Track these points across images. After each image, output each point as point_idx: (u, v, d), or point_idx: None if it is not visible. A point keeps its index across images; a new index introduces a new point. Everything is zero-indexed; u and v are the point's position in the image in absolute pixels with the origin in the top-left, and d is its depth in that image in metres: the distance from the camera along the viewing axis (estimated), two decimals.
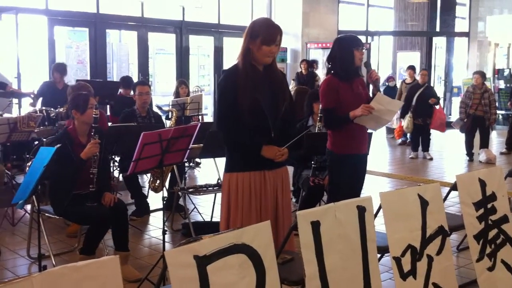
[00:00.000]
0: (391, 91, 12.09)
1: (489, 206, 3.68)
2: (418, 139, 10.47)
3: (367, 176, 4.55)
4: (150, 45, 13.07)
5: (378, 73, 4.53)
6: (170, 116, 7.49)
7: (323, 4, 14.81)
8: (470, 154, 10.18)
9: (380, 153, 10.91)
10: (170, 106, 8.10)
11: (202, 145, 5.32)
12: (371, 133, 5.01)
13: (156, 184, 5.99)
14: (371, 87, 4.36)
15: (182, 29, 13.28)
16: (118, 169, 6.75)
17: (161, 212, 4.55)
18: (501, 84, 15.68)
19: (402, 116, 10.57)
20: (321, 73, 13.26)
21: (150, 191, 6.33)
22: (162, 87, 13.95)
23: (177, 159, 4.27)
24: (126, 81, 8.54)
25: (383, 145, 12.27)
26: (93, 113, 4.29)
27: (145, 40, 12.75)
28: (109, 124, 6.69)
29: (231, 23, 14.09)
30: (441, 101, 14.11)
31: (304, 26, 14.57)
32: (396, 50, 17.20)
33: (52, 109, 6.88)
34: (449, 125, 11.01)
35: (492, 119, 10.03)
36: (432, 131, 10.49)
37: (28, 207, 5.28)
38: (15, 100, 8.27)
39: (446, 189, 4.09)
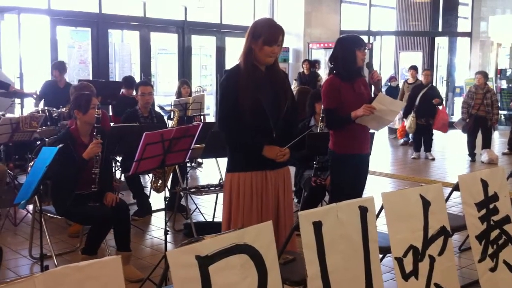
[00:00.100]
0: (393, 91, 12.09)
1: (491, 206, 3.68)
2: (421, 139, 10.46)
3: (369, 177, 4.55)
4: (152, 45, 13.07)
5: (380, 73, 4.53)
6: (172, 116, 7.50)
7: (325, 4, 14.80)
8: (472, 154, 10.17)
9: (382, 153, 10.91)
10: (172, 106, 8.11)
11: (204, 145, 5.32)
12: (373, 133, 5.01)
13: (158, 184, 5.99)
14: (373, 87, 4.35)
15: (184, 29, 13.28)
16: (120, 169, 6.76)
17: (163, 212, 4.55)
18: (504, 84, 15.65)
19: (405, 116, 10.56)
20: (323, 73, 13.26)
21: (152, 191, 6.33)
22: (164, 87, 13.95)
23: (179, 159, 4.27)
24: (128, 81, 8.54)
25: (385, 146, 12.26)
26: (95, 113, 4.30)
27: (147, 40, 12.76)
28: (111, 124, 6.69)
29: (233, 23, 14.09)
30: (444, 102, 14.09)
31: (306, 26, 14.57)
32: (398, 50, 17.19)
33: (55, 109, 6.88)
34: (451, 125, 11.00)
35: (494, 119, 10.01)
36: (434, 131, 10.48)
37: (30, 207, 5.29)
38: (17, 100, 8.27)
39: (448, 190, 4.08)
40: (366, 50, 4.31)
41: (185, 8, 13.26)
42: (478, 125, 10.05)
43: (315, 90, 7.07)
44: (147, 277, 4.05)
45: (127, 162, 5.77)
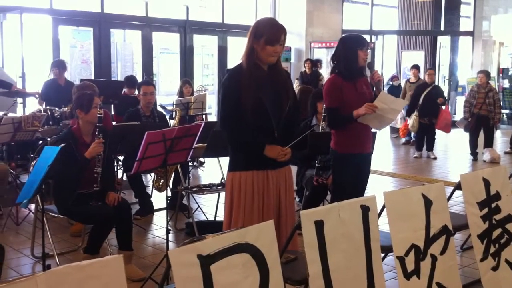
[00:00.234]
0: (395, 90, 12.08)
1: (493, 205, 3.67)
2: (423, 138, 10.45)
3: (371, 176, 4.55)
4: (154, 45, 13.08)
5: (383, 72, 4.53)
6: (174, 116, 7.49)
7: (327, 3, 14.79)
8: (474, 153, 10.16)
9: (384, 152, 10.90)
10: (174, 106, 8.11)
11: (206, 144, 5.33)
12: (375, 133, 5.01)
13: (160, 183, 6.00)
14: (374, 87, 4.35)
15: (186, 29, 13.28)
16: (122, 168, 6.76)
17: (164, 212, 4.55)
18: (506, 83, 15.64)
19: (408, 114, 10.55)
20: (325, 72, 13.25)
21: (154, 190, 6.34)
22: (166, 87, 13.98)
23: (181, 159, 4.27)
24: (130, 80, 8.56)
25: (387, 145, 12.25)
26: (97, 112, 4.29)
27: (149, 40, 12.76)
28: (113, 123, 6.69)
29: (235, 22, 14.10)
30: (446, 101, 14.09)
31: (308, 26, 14.56)
32: (401, 49, 17.18)
33: (56, 108, 6.89)
34: (453, 125, 10.99)
35: (496, 118, 10.01)
36: (437, 131, 10.47)
37: (32, 206, 5.29)
38: (19, 100, 8.28)
39: (450, 189, 4.08)
40: (368, 50, 4.30)
41: (187, 8, 13.27)
42: (480, 124, 10.04)
43: (316, 89, 7.08)
44: (149, 276, 4.05)
45: (129, 162, 5.77)
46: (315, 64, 12.95)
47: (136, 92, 7.07)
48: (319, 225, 2.62)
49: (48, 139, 6.42)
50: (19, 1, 10.60)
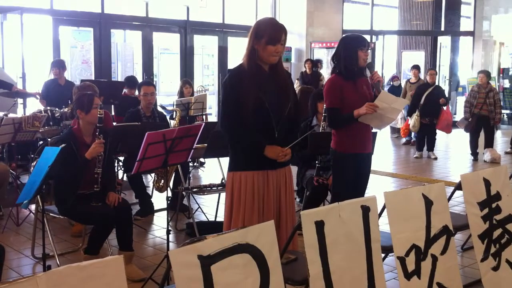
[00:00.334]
0: (395, 91, 12.07)
1: (493, 205, 3.67)
2: (424, 138, 10.45)
3: (371, 176, 4.54)
4: (155, 45, 13.09)
5: (383, 72, 4.53)
6: (174, 116, 7.49)
7: (328, 3, 14.79)
8: (474, 153, 10.16)
9: (384, 152, 10.90)
10: (174, 106, 8.11)
11: (206, 145, 5.33)
12: (375, 133, 5.01)
13: (161, 184, 6.00)
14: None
15: (187, 29, 13.29)
16: (122, 169, 6.76)
17: (165, 212, 4.55)
18: (506, 84, 15.64)
19: (410, 114, 10.55)
20: (325, 72, 13.25)
21: (154, 191, 6.34)
22: (166, 87, 13.97)
23: (181, 159, 4.27)
24: (130, 81, 8.57)
25: (387, 145, 12.25)
26: (97, 113, 4.29)
27: (149, 40, 12.77)
28: (114, 124, 6.70)
29: (236, 22, 14.10)
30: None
31: (309, 26, 14.56)
32: (401, 49, 17.18)
33: (57, 109, 6.89)
34: (453, 125, 10.99)
35: (497, 118, 10.01)
36: (437, 131, 10.47)
37: (33, 207, 5.29)
38: (20, 100, 8.28)
39: (450, 189, 4.08)
40: (368, 51, 4.29)
41: (187, 8, 13.27)
42: (480, 124, 10.04)
43: (317, 89, 7.08)
44: (149, 277, 4.05)
45: (129, 162, 5.77)
46: (316, 64, 12.96)
47: (137, 93, 7.07)
48: (319, 226, 2.62)
49: (49, 139, 6.43)
50: (20, 2, 10.60)
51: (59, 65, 7.96)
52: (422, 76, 12.64)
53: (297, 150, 3.93)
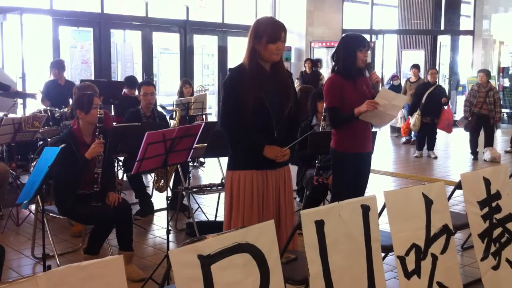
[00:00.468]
0: (395, 90, 12.03)
1: (493, 204, 3.67)
2: (424, 138, 10.44)
3: (371, 175, 4.54)
4: (154, 45, 13.08)
5: (383, 71, 4.52)
6: (174, 116, 7.49)
7: (328, 2, 14.79)
8: (474, 152, 10.16)
9: (384, 152, 10.90)
10: (174, 106, 8.11)
11: (206, 144, 5.33)
12: (375, 132, 5.01)
13: (160, 183, 6.00)
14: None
15: (186, 29, 13.28)
16: (122, 169, 6.76)
17: (165, 212, 4.55)
18: (506, 83, 15.64)
19: (411, 114, 10.56)
20: (325, 72, 13.25)
21: (154, 190, 6.34)
22: (166, 87, 13.97)
23: (181, 159, 4.27)
24: (130, 81, 8.57)
25: (387, 144, 12.25)
26: (97, 113, 4.29)
27: (149, 40, 12.76)
28: (114, 124, 6.70)
29: (235, 22, 14.09)
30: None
31: (308, 25, 14.55)
32: (401, 48, 17.17)
33: (57, 109, 6.90)
34: (454, 124, 10.99)
35: (496, 117, 10.01)
36: (438, 130, 10.47)
37: (33, 207, 5.30)
38: (19, 100, 8.28)
39: (450, 188, 4.08)
40: (368, 51, 4.27)
41: (187, 8, 13.27)
42: (480, 123, 10.04)
43: (317, 89, 7.08)
44: (149, 277, 4.05)
45: (129, 162, 5.77)
46: (316, 63, 12.96)
47: (136, 93, 7.07)
48: (319, 225, 2.62)
49: (49, 139, 6.43)
50: (19, 2, 10.60)
51: (57, 66, 7.96)
52: (422, 75, 12.64)
53: (296, 150, 3.92)
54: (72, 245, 5.13)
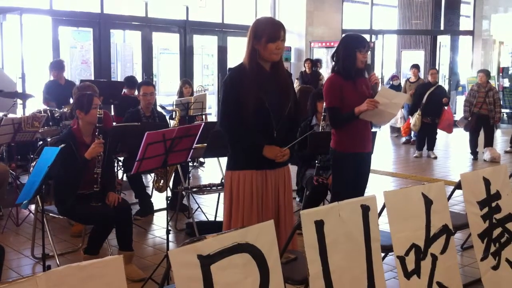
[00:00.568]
0: (395, 90, 12.04)
1: (493, 204, 3.67)
2: (424, 138, 10.44)
3: (371, 175, 4.54)
4: (154, 45, 13.08)
5: (383, 72, 4.52)
6: (173, 116, 7.49)
7: (327, 3, 14.79)
8: (474, 152, 10.16)
9: (384, 152, 10.90)
10: (174, 106, 8.11)
11: (205, 144, 5.33)
12: (375, 132, 5.00)
13: (160, 183, 6.00)
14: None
15: (186, 29, 13.28)
16: (122, 169, 6.76)
17: (165, 212, 4.55)
18: (506, 83, 15.64)
19: (411, 114, 10.56)
20: (325, 72, 13.25)
21: (154, 190, 6.34)
22: (166, 87, 13.96)
23: (181, 159, 4.27)
24: (130, 81, 8.57)
25: (387, 144, 12.25)
26: (97, 113, 4.29)
27: (149, 40, 12.76)
28: (114, 124, 6.70)
29: (235, 22, 14.09)
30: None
31: (308, 25, 14.55)
32: (400, 48, 17.18)
33: (57, 109, 6.90)
34: (453, 124, 10.99)
35: (496, 117, 10.01)
36: (438, 131, 10.47)
37: (32, 207, 5.29)
38: (19, 101, 8.28)
39: (450, 188, 4.07)
40: (368, 52, 4.27)
41: (187, 8, 13.26)
42: (480, 123, 10.04)
43: (316, 89, 7.08)
44: (149, 277, 4.05)
45: (129, 162, 5.77)
46: (315, 64, 12.95)
47: (136, 93, 7.07)
48: (319, 225, 2.62)
49: (48, 139, 6.43)
50: (19, 2, 10.60)
51: (56, 67, 7.97)
52: (421, 75, 12.64)
53: (296, 150, 3.92)
54: (72, 245, 5.13)
